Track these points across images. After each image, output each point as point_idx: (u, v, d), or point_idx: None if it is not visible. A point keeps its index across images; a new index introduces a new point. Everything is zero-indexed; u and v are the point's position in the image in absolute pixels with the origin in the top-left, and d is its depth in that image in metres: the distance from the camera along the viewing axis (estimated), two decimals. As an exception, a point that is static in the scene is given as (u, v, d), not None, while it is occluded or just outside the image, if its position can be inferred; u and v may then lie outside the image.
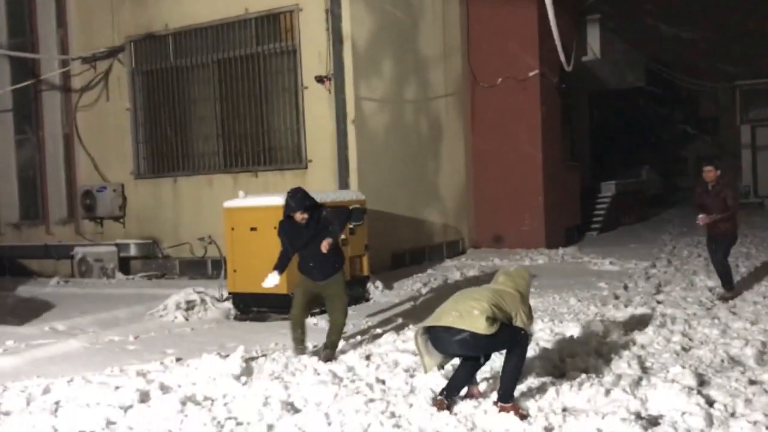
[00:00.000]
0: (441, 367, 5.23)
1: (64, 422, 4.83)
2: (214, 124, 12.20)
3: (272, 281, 6.34)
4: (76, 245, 13.08)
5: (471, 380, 5.05)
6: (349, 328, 7.60)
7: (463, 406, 4.81)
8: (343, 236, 8.99)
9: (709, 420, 4.38)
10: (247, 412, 4.89)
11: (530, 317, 4.97)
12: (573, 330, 6.67)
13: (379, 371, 5.72)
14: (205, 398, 5.27)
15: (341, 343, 6.59)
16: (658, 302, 8.19)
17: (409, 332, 7.02)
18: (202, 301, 8.75)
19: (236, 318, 8.56)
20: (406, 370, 5.65)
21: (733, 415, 4.50)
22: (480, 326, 4.57)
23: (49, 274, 13.16)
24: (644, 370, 5.51)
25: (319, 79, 10.98)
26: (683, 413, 4.46)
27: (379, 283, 9.70)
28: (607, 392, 4.86)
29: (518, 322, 4.81)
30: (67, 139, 13.74)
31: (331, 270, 6.36)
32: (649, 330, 6.65)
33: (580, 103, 18.56)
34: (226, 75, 11.99)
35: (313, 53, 11.10)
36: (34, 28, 13.93)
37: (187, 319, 8.47)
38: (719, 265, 8.36)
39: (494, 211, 14.45)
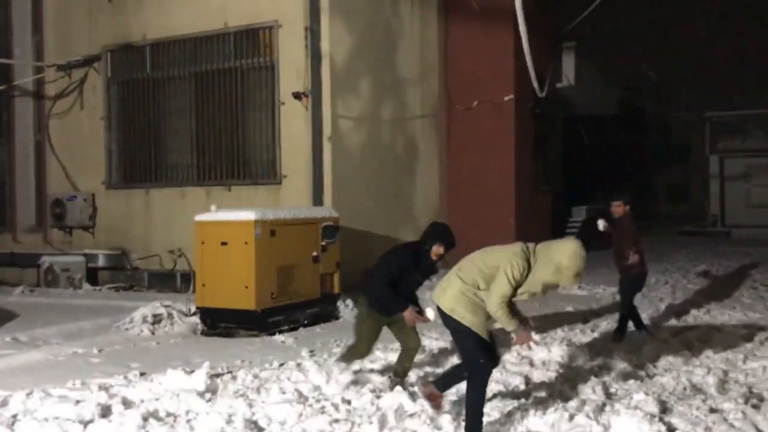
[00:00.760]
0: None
1: (21, 436, 4.73)
2: (189, 137, 12.14)
3: (431, 314, 5.51)
4: (44, 254, 12.87)
5: (453, 381, 4.97)
6: (317, 346, 7.59)
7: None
8: (315, 253, 9.05)
9: (670, 447, 4.42)
10: (210, 429, 4.84)
11: (502, 297, 4.40)
12: (540, 354, 6.72)
13: (345, 391, 5.69)
14: (168, 414, 5.20)
15: (308, 363, 6.56)
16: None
17: (377, 352, 7.00)
18: (170, 315, 8.65)
19: (203, 333, 8.47)
20: (373, 390, 5.63)
21: (693, 443, 4.55)
22: (442, 302, 4.61)
23: (14, 283, 12.91)
24: (608, 395, 5.56)
25: (297, 96, 11.00)
26: (645, 440, 4.50)
27: (349, 302, 9.67)
28: (571, 417, 4.90)
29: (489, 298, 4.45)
30: (39, 147, 13.58)
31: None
32: (615, 356, 6.71)
33: (554, 128, 18.77)
34: (203, 88, 11.96)
35: (291, 69, 11.13)
36: (9, 33, 13.78)
37: (153, 333, 8.36)
38: (623, 306, 7.83)
39: (467, 231, 14.37)
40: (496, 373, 6.04)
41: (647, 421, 4.73)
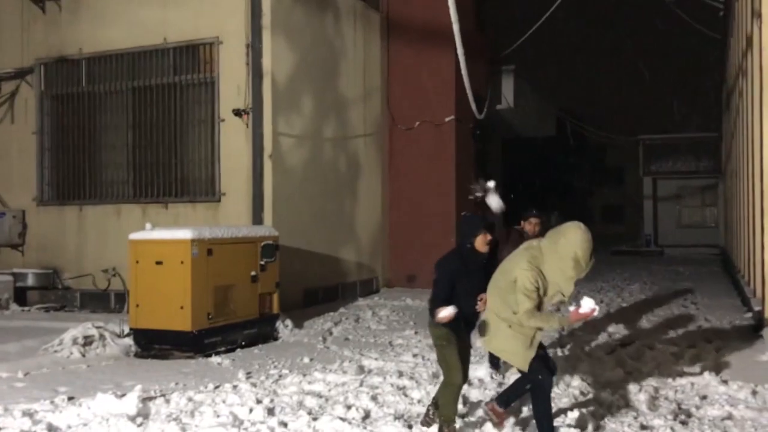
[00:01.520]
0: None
1: (-65, 467, 4.48)
2: (125, 153, 11.86)
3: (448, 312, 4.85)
4: (-32, 273, 12.32)
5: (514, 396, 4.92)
6: (254, 367, 7.46)
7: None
8: (253, 273, 8.92)
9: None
10: (140, 456, 4.67)
11: (529, 312, 4.38)
12: (479, 372, 6.76)
13: (282, 413, 5.61)
14: (96, 441, 5.01)
15: (244, 385, 6.44)
16: (562, 346, 8.42)
17: (316, 373, 6.93)
18: (101, 336, 8.36)
19: (137, 355, 8.22)
20: (310, 413, 5.56)
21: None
22: (493, 347, 4.81)
23: (-65, 304, 12.30)
24: (544, 414, 5.62)
25: (237, 113, 10.90)
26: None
27: (288, 322, 9.56)
28: (506, 436, 4.93)
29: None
30: (-34, 161, 13.03)
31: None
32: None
33: (494, 149, 19.14)
34: (140, 103, 11.73)
35: (231, 86, 11.02)
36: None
37: (83, 355, 8.05)
38: None
39: (408, 250, 14.61)
40: (433, 392, 6.06)
41: (581, 439, 4.80)
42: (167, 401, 5.97)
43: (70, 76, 12.27)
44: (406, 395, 6.09)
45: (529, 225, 7.37)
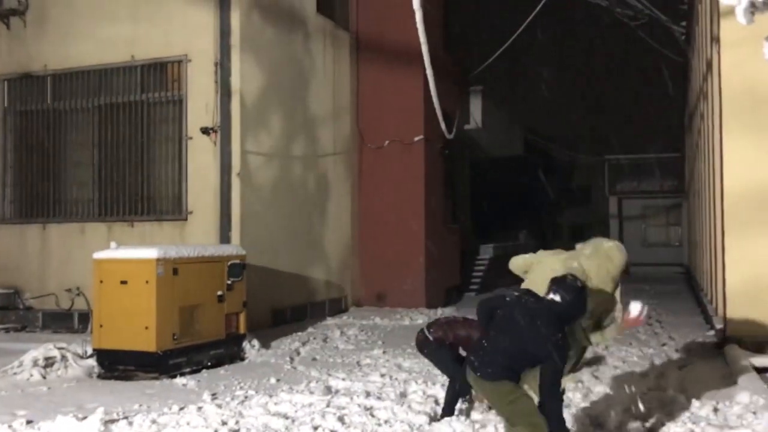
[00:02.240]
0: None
1: None
2: (90, 170, 11.71)
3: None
4: (-75, 293, 12.00)
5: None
6: (219, 389, 7.36)
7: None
8: (220, 292, 8.84)
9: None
10: (101, 480, 4.57)
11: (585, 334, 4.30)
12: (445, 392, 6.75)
13: (247, 435, 5.54)
14: (55, 466, 4.89)
15: (209, 407, 6.35)
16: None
17: (282, 394, 6.86)
18: (63, 357, 8.19)
19: (100, 376, 8.06)
20: (276, 434, 5.50)
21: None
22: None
23: None
24: (510, 433, 5.63)
25: (205, 131, 10.84)
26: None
27: (255, 342, 9.47)
28: (473, 456, 4.92)
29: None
30: (-76, 178, 12.74)
31: None
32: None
33: (462, 168, 19.29)
34: (106, 121, 11.61)
35: (200, 104, 10.97)
36: None
37: (44, 377, 7.88)
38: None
39: (377, 269, 14.62)
40: (401, 413, 6.05)
41: (546, 459, 4.80)
42: (130, 423, 5.87)
43: (35, 92, 12.11)
44: (373, 415, 6.06)
45: None
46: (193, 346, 8.31)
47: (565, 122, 30.98)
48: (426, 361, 8.74)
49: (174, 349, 8.04)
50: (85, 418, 5.73)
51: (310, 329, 11.48)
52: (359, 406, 6.37)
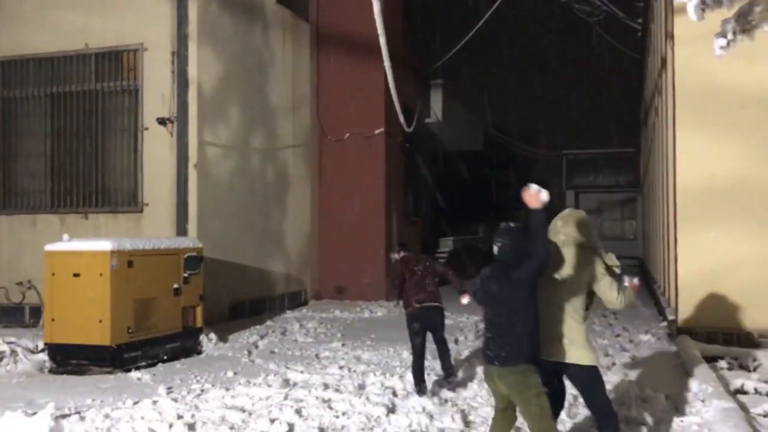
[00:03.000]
0: None
1: None
2: (42, 161, 11.42)
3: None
4: None
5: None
6: (175, 382, 7.26)
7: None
8: (176, 285, 8.70)
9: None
10: (50, 477, 4.47)
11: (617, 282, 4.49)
12: (403, 384, 6.78)
13: (203, 429, 5.47)
14: (3, 462, 4.77)
15: (164, 401, 6.25)
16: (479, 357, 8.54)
17: (239, 387, 6.80)
18: (13, 352, 7.99)
19: (51, 371, 7.88)
20: (232, 428, 5.45)
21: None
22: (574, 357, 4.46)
23: None
24: (467, 424, 5.68)
25: (162, 121, 10.66)
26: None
27: (213, 335, 9.37)
28: (430, 447, 4.95)
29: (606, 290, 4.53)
30: None
31: None
32: (474, 384, 6.88)
33: (423, 161, 19.36)
34: (59, 110, 11.33)
35: (156, 94, 10.77)
36: None
37: (-7, 372, 7.68)
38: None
39: (337, 262, 14.58)
40: (358, 404, 6.05)
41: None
42: (82, 419, 5.74)
43: (-16, 80, 11.75)
44: (330, 408, 6.05)
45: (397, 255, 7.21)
46: (149, 339, 8.18)
47: (525, 118, 31.30)
48: (385, 352, 8.80)
49: (129, 343, 7.90)
50: (35, 413, 5.59)
51: (268, 322, 11.40)
52: (317, 398, 6.35)
